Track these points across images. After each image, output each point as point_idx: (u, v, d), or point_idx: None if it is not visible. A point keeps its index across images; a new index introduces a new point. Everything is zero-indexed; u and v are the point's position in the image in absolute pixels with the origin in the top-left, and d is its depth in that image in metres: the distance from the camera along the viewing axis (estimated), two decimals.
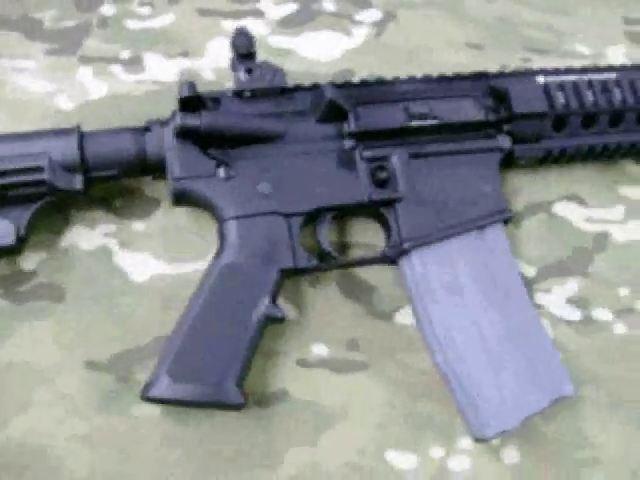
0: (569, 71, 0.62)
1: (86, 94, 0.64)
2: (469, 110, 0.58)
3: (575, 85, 0.61)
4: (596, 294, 0.62)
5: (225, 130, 0.55)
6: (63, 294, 0.58)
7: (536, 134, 0.60)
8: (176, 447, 0.54)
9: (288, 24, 0.68)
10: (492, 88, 0.59)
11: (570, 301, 0.61)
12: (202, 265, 0.57)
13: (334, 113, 0.56)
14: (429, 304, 0.55)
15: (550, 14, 0.71)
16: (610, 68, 0.62)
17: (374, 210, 0.57)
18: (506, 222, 0.59)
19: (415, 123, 0.57)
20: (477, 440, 0.52)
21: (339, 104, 0.55)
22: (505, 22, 0.70)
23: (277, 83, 0.56)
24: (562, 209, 0.64)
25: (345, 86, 0.58)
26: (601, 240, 0.64)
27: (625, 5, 0.73)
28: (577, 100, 0.60)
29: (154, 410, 0.54)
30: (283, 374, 0.57)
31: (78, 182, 0.54)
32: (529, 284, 0.61)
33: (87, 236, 0.59)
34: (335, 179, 0.56)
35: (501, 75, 0.61)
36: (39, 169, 0.53)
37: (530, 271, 0.62)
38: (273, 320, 0.53)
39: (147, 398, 0.51)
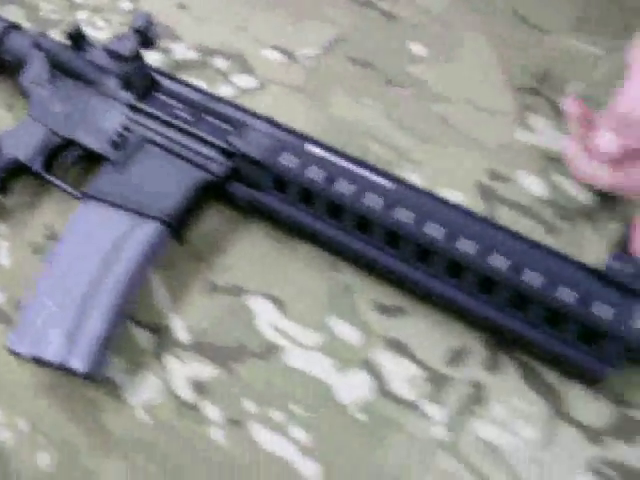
0: (350, 159, 0.59)
1: None
2: (220, 133, 0.63)
3: (310, 157, 0.58)
4: (223, 392, 0.58)
5: (57, 58, 0.70)
6: None
7: (256, 182, 0.61)
8: None
9: (181, 66, 0.77)
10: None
11: (190, 382, 0.59)
12: None
13: (125, 83, 0.67)
14: (64, 241, 0.62)
15: (415, 139, 0.66)
16: (398, 181, 0.57)
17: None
18: (178, 239, 0.63)
19: (176, 122, 0.64)
20: (8, 350, 0.59)
21: (129, 78, 0.66)
22: (354, 128, 0.68)
23: (124, 52, 0.68)
24: (257, 304, 0.62)
25: (159, 72, 0.68)
26: (269, 350, 0.60)
27: (495, 160, 0.64)
28: (298, 168, 0.58)
29: None
30: None
31: None
32: (176, 345, 0.61)
33: None
34: (97, 129, 0.67)
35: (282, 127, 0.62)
36: None
37: (185, 336, 0.61)
38: None
39: None
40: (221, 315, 0.61)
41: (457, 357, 0.58)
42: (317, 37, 0.73)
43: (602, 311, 0.51)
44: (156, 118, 0.65)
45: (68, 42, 0.70)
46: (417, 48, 0.71)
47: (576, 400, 0.56)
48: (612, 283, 0.51)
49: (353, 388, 0.57)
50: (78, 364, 0.57)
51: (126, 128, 0.66)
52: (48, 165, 0.69)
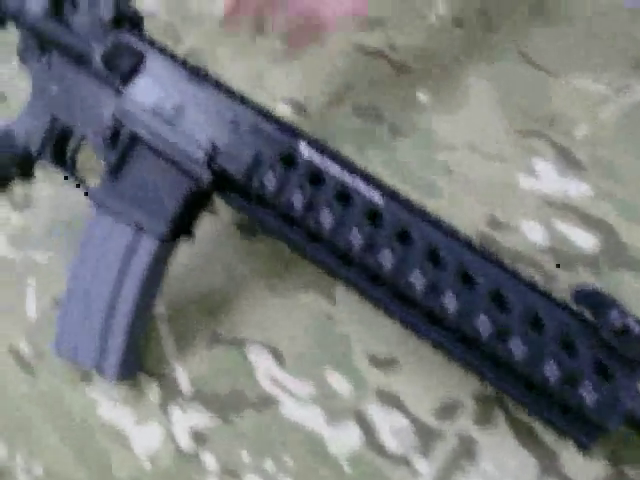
0: (340, 160, 0.53)
1: None
2: (202, 131, 0.56)
3: (292, 173, 0.53)
4: (220, 441, 0.60)
5: (37, 30, 0.61)
6: None
7: (241, 189, 0.55)
8: None
9: None
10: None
11: (190, 431, 0.61)
12: None
13: (107, 63, 0.59)
14: (82, 251, 0.62)
15: (417, 188, 0.67)
16: (388, 191, 0.51)
17: None
18: (187, 236, 0.60)
19: (157, 113, 0.57)
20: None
21: (109, 57, 0.58)
22: None
23: (101, 15, 0.59)
24: (256, 355, 0.63)
25: (147, 41, 0.59)
26: (265, 401, 0.61)
27: (496, 207, 0.64)
28: (277, 189, 0.53)
29: None
30: None
31: None
32: (180, 396, 0.63)
33: None
34: (91, 117, 0.61)
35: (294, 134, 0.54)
36: None
37: (188, 386, 0.63)
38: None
39: None
40: (222, 366, 0.64)
41: (447, 410, 0.57)
42: (326, 88, 0.75)
43: (586, 395, 0.46)
44: (142, 108, 0.57)
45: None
46: (423, 96, 0.72)
47: (569, 458, 0.55)
48: (604, 346, 0.46)
49: (343, 440, 0.58)
50: (110, 372, 0.61)
51: (116, 119, 0.59)
52: (59, 153, 0.65)
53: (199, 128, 0.56)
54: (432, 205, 0.64)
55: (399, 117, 0.71)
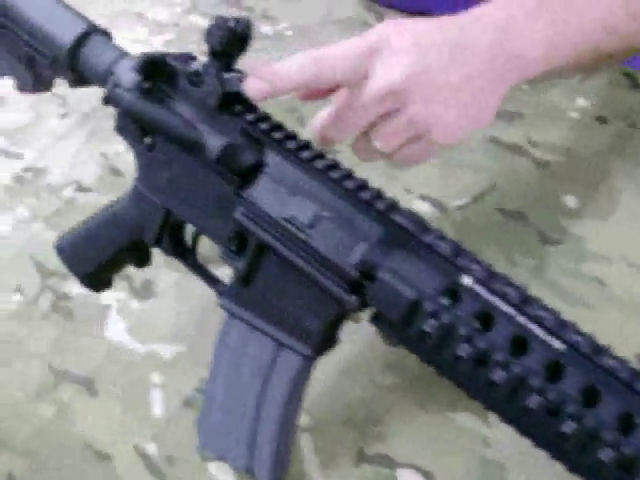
0: (512, 296, 0.44)
1: None
2: (344, 250, 0.48)
3: (457, 316, 0.44)
4: None
5: (132, 113, 0.54)
6: None
7: (401, 323, 0.47)
8: None
9: None
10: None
11: None
12: None
13: (221, 158, 0.52)
14: (218, 353, 0.59)
15: (568, 302, 0.63)
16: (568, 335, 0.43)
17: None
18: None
19: (289, 226, 0.50)
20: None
21: (222, 154, 0.51)
22: None
23: (206, 99, 0.52)
24: (406, 477, 0.61)
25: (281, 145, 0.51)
26: None
27: None
28: (438, 336, 0.45)
29: None
30: None
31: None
32: None
33: None
34: (209, 216, 0.55)
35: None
36: None
37: None
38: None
39: None
40: None
41: None
42: (467, 186, 0.73)
43: None
44: (268, 215, 0.50)
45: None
46: (570, 200, 0.69)
47: None
48: None
49: None
50: (263, 475, 0.59)
51: (239, 224, 0.52)
52: (177, 244, 0.61)
53: (340, 246, 0.48)
54: (583, 322, 0.62)
55: (547, 221, 0.69)
